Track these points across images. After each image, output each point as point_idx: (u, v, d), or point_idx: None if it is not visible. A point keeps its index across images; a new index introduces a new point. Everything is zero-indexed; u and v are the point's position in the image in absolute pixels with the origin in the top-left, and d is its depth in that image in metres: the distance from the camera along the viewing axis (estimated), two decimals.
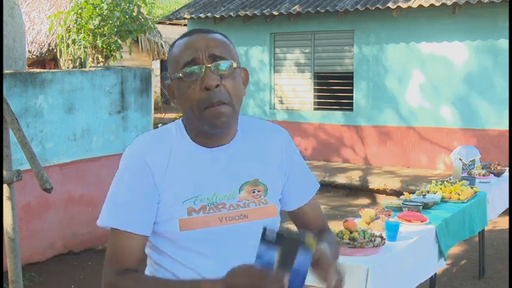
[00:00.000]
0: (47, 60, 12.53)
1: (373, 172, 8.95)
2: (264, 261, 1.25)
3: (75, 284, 4.96)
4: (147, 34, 13.45)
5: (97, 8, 7.31)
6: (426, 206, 3.97)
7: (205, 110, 1.44)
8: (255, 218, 1.53)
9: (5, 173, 3.32)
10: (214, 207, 1.49)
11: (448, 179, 4.99)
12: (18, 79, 5.02)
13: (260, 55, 10.35)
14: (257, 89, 10.36)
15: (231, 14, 9.98)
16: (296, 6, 9.53)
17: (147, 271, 1.59)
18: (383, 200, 5.90)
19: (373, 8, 8.82)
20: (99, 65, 7.53)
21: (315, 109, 10.07)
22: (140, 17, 8.03)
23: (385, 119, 9.41)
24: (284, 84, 10.32)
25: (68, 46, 7.38)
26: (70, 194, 5.57)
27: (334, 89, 9.92)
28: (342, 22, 9.49)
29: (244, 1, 10.46)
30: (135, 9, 7.81)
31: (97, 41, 7.42)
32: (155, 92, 18.08)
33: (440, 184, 4.57)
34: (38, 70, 5.43)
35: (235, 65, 1.48)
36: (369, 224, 3.51)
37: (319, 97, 10.08)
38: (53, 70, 6.11)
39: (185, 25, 14.41)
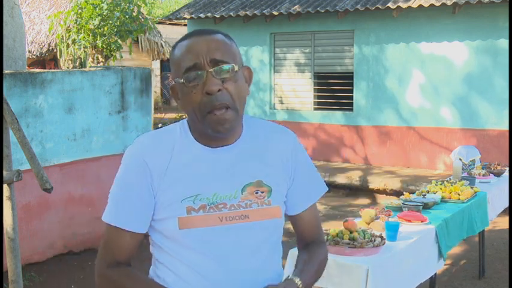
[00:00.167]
0: (47, 60, 12.53)
1: (373, 172, 8.95)
2: None
3: (75, 284, 4.96)
4: (147, 34, 13.45)
5: (97, 8, 7.31)
6: (426, 206, 3.97)
7: (207, 115, 1.45)
8: (257, 218, 1.53)
9: (5, 173, 3.32)
10: (214, 207, 1.50)
11: (448, 179, 4.99)
12: (18, 79, 5.02)
13: (260, 55, 10.36)
14: (257, 89, 10.36)
15: (231, 14, 9.98)
16: (296, 6, 9.53)
17: (151, 269, 1.61)
18: (383, 200, 5.90)
19: (373, 8, 8.82)
20: (99, 65, 7.52)
21: (315, 109, 10.07)
22: (140, 17, 8.03)
23: (385, 119, 9.41)
24: (284, 84, 10.32)
25: (68, 46, 7.38)
26: (70, 194, 5.57)
27: (334, 89, 9.92)
28: (342, 22, 9.49)
29: (244, 1, 10.46)
30: (135, 9, 7.80)
31: (97, 41, 7.42)
32: (155, 92, 18.07)
33: (440, 184, 4.57)
34: (38, 70, 5.43)
35: (236, 68, 1.48)
36: (369, 224, 3.51)
37: (319, 97, 10.08)
38: (53, 70, 6.11)
39: (185, 25, 14.41)
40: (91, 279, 5.02)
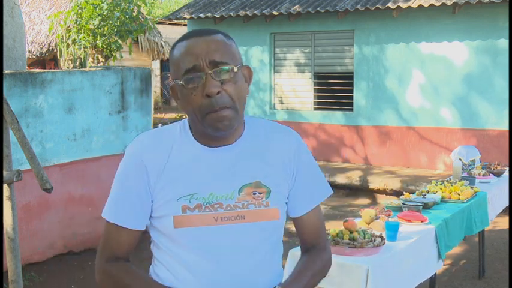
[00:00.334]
0: (47, 60, 12.53)
1: (373, 172, 8.95)
2: None
3: (75, 284, 4.96)
4: (147, 34, 13.46)
5: (97, 8, 7.30)
6: (426, 206, 3.97)
7: (207, 116, 1.45)
8: (253, 219, 1.51)
9: (5, 173, 3.32)
10: (210, 207, 1.50)
11: (448, 179, 4.99)
12: (18, 79, 5.02)
13: (260, 55, 10.36)
14: (257, 89, 10.36)
15: (231, 14, 9.98)
16: (296, 6, 9.53)
17: (151, 267, 1.62)
18: (383, 200, 5.90)
19: (373, 8, 8.82)
20: (99, 65, 7.52)
21: (315, 109, 10.07)
22: (140, 17, 8.03)
23: (385, 119, 9.41)
24: (284, 84, 10.32)
25: (68, 46, 7.38)
26: (70, 194, 5.57)
27: (334, 89, 9.92)
28: (342, 22, 9.49)
29: (244, 1, 10.46)
30: (135, 9, 7.80)
31: (97, 41, 7.42)
32: (155, 92, 18.08)
33: (440, 184, 4.57)
34: (38, 70, 5.43)
35: (236, 69, 1.48)
36: (369, 224, 3.51)
37: (319, 97, 10.08)
38: (53, 70, 6.11)
39: (185, 25, 14.41)
40: (91, 279, 5.01)
